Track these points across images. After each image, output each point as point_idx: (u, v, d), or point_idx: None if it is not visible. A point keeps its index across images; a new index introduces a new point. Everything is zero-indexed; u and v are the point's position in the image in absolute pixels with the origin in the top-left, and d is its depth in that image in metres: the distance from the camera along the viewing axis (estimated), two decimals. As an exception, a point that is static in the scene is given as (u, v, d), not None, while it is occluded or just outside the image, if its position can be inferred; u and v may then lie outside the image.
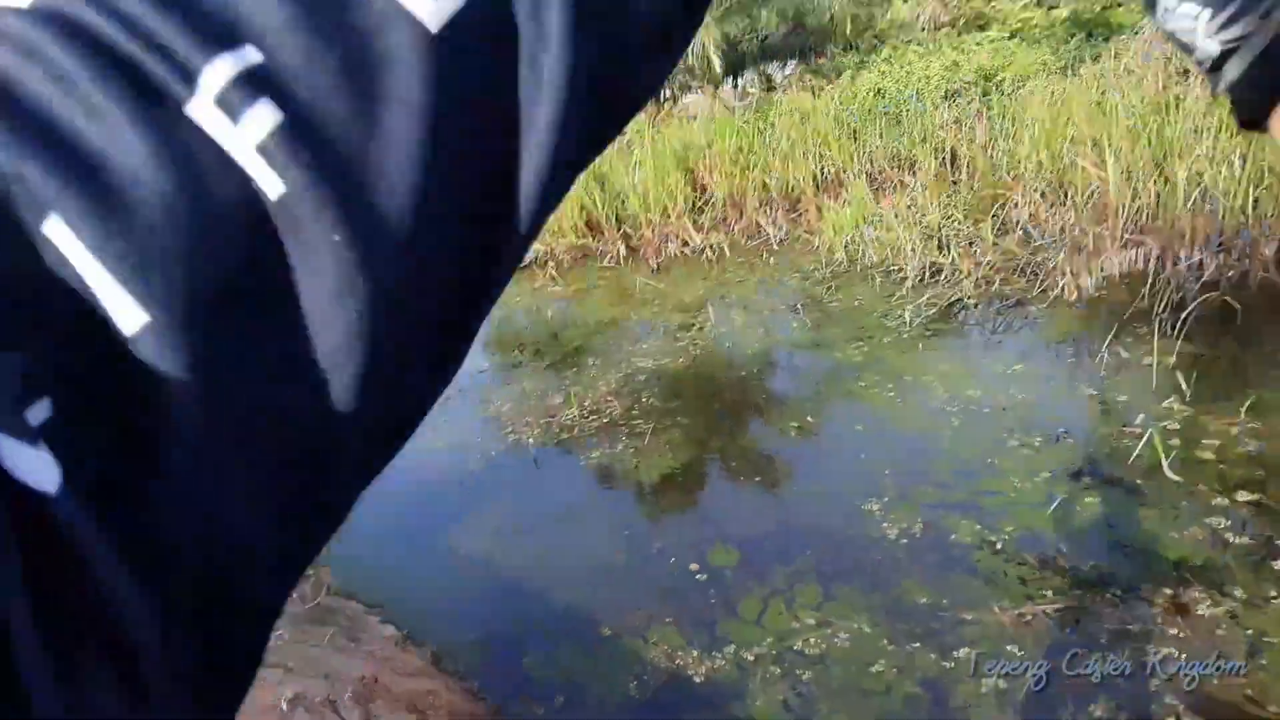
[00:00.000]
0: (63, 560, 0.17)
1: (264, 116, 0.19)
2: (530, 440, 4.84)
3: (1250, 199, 5.46)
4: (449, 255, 0.23)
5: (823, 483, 4.05)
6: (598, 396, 5.19)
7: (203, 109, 0.19)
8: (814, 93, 10.85)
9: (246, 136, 0.19)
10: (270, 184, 0.19)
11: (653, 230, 8.79)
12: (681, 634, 3.18)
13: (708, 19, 11.08)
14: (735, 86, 15.99)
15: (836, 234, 7.23)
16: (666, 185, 9.46)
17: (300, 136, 0.19)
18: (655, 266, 8.11)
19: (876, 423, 4.48)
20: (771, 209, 8.77)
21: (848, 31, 13.72)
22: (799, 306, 6.34)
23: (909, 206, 7.04)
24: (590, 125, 0.25)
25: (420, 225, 0.21)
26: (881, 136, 8.85)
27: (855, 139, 9.09)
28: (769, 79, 16.93)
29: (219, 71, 0.19)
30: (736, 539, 3.66)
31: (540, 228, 0.27)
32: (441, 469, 4.74)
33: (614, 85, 0.26)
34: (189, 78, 0.19)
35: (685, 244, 8.50)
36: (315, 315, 0.20)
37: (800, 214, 8.59)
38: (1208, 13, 0.35)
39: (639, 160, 9.73)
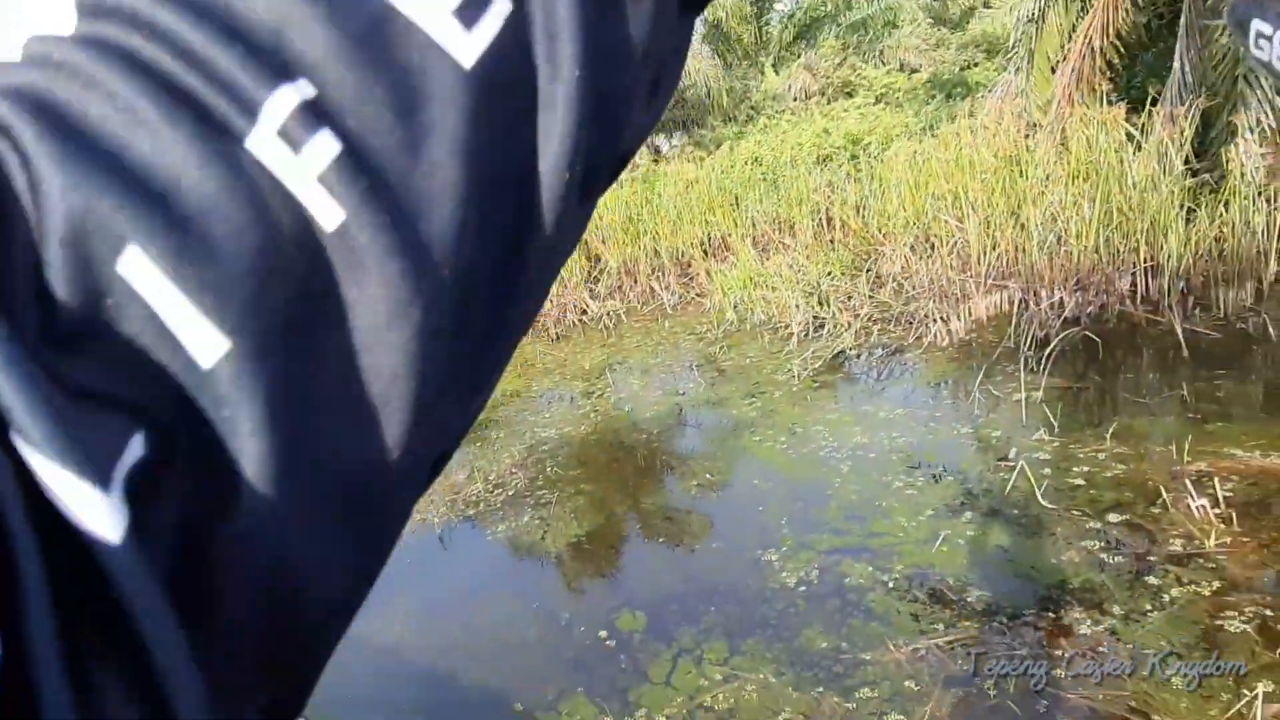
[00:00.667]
0: (108, 608, 0.17)
1: (325, 147, 0.20)
2: (436, 519, 4.77)
3: (1102, 238, 5.97)
4: (487, 285, 0.24)
5: (725, 537, 4.14)
6: (502, 469, 5.18)
7: (264, 140, 0.20)
8: (697, 163, 11.29)
9: (309, 167, 0.20)
10: (329, 214, 0.20)
11: (550, 300, 8.89)
12: (593, 704, 3.16)
13: None
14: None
15: (726, 295, 7.50)
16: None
17: (356, 167, 0.20)
18: (555, 335, 8.19)
19: (772, 474, 4.63)
20: (664, 274, 9.03)
21: (724, 104, 14.39)
22: (695, 366, 6.51)
23: (790, 266, 7.38)
24: (597, 160, 0.26)
25: (463, 254, 0.22)
26: (761, 202, 9.28)
27: (737, 205, 9.50)
28: (657, 150, 17.53)
29: (280, 103, 0.20)
30: (644, 602, 3.69)
31: (562, 263, 0.28)
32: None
33: (615, 121, 0.27)
34: (251, 110, 0.20)
35: (583, 312, 8.63)
36: (369, 344, 0.21)
37: (691, 278, 8.88)
38: None
39: (532, 233, 9.86)
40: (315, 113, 0.20)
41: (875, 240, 7.56)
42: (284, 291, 0.20)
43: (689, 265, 9.11)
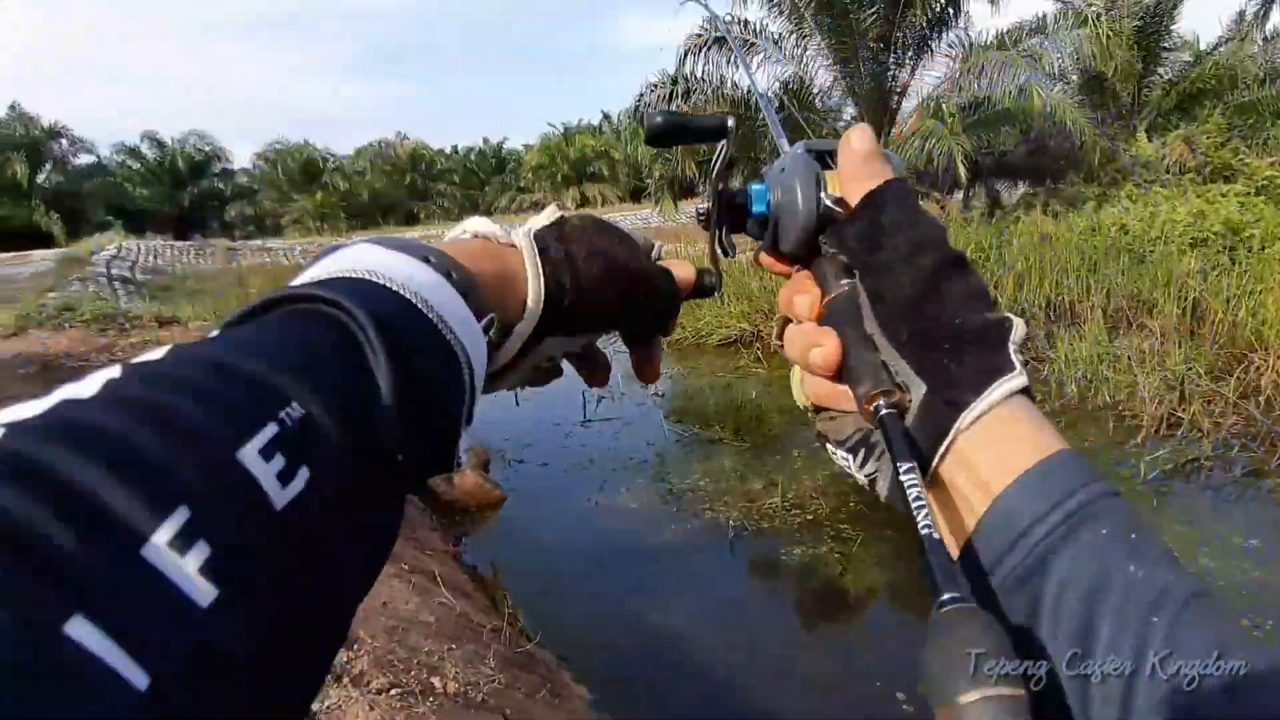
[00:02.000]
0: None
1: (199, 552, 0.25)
2: (729, 521, 4.94)
3: None
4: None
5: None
6: (802, 490, 5.23)
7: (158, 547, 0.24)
8: (1054, 216, 10.65)
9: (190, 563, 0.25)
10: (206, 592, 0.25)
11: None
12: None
13: (959, 129, 11.04)
14: (965, 198, 15.92)
15: (1069, 366, 7.01)
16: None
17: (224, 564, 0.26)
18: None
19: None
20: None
21: (1091, 161, 13.41)
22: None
23: (1148, 351, 6.75)
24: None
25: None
26: (1123, 275, 8.56)
27: (1094, 271, 8.83)
28: (996, 195, 16.70)
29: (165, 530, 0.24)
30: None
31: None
32: (630, 532, 4.95)
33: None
34: (143, 530, 0.24)
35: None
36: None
37: (1029, 338, 8.36)
38: (853, 460, 0.51)
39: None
40: (187, 535, 0.25)
41: (1247, 343, 6.68)
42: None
43: (1026, 324, 8.60)
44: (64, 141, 35.27)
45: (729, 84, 13.32)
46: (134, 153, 40.07)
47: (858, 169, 0.50)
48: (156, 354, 0.30)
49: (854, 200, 0.50)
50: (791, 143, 0.57)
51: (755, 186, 0.55)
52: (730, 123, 0.54)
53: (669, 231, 17.47)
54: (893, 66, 13.14)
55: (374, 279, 0.38)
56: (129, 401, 0.27)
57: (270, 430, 0.28)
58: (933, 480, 0.44)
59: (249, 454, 0.27)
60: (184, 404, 0.27)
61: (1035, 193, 15.31)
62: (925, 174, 12.54)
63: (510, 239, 0.50)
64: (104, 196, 36.02)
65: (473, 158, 52.83)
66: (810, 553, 4.55)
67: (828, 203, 0.51)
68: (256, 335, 0.33)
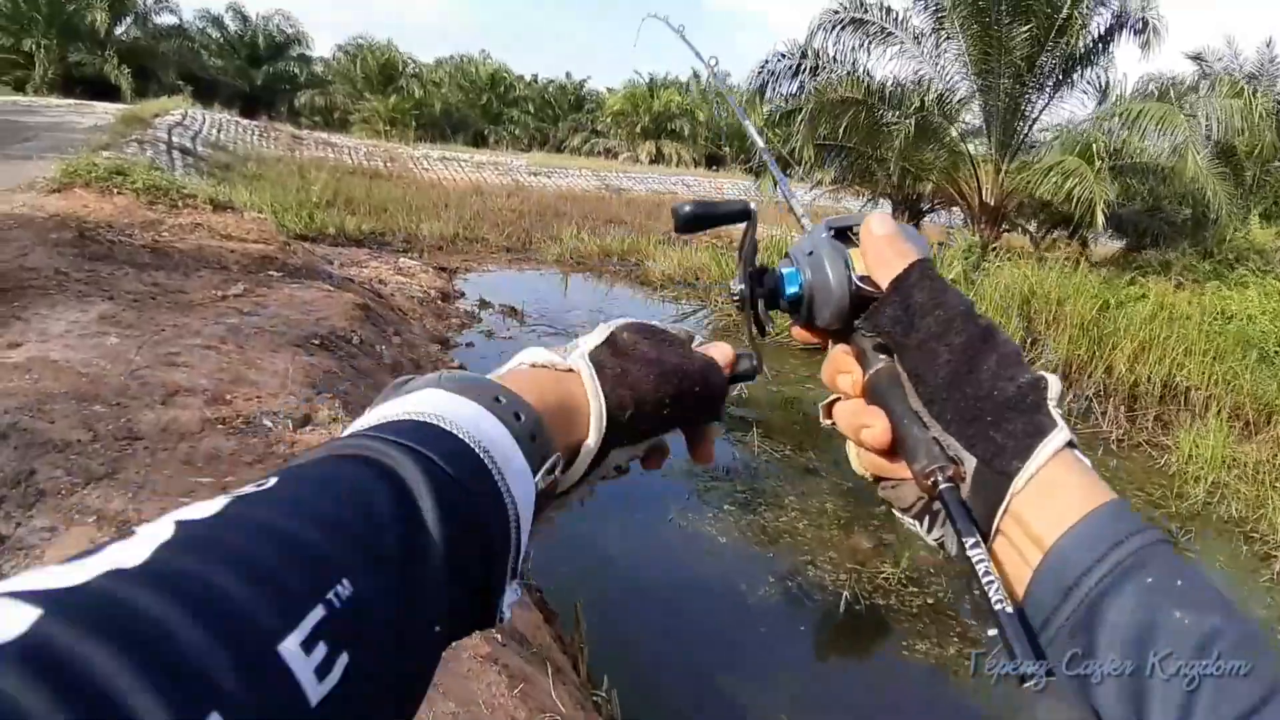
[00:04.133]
0: None
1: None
2: (834, 584, 4.16)
3: None
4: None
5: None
6: (918, 559, 4.44)
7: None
8: (1176, 287, 9.67)
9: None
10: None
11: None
12: None
13: (1106, 175, 10.06)
14: (1033, 238, 14.96)
15: (1191, 461, 6.16)
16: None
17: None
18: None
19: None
20: (1110, 398, 7.72)
21: (1216, 238, 12.43)
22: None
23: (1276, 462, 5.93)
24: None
25: None
26: (1249, 372, 7.67)
27: (1219, 360, 7.93)
28: (1085, 243, 15.66)
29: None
30: None
31: None
32: (719, 578, 4.23)
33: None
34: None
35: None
36: None
37: (1137, 415, 7.51)
38: (919, 526, 0.52)
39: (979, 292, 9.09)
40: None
41: None
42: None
43: (1134, 399, 7.76)
44: (150, -2, 34.77)
45: (862, 69, 12.25)
46: (216, 21, 39.41)
47: (882, 251, 0.53)
48: (214, 506, 0.30)
49: (882, 281, 0.52)
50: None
51: (786, 270, 0.57)
52: (752, 206, 0.59)
53: (765, 211, 16.71)
54: (1033, 90, 12.02)
55: (441, 425, 0.39)
56: (176, 578, 0.26)
57: (317, 615, 0.28)
58: (991, 537, 0.46)
59: (290, 647, 0.27)
60: (233, 585, 0.27)
61: (1135, 253, 14.30)
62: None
63: (568, 364, 0.51)
64: (178, 61, 35.45)
65: (551, 90, 51.68)
66: (936, 653, 3.76)
67: (858, 282, 0.53)
68: (317, 492, 0.33)
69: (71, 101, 23.46)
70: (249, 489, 0.32)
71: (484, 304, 9.96)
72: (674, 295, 12.05)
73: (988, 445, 0.46)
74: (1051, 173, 10.68)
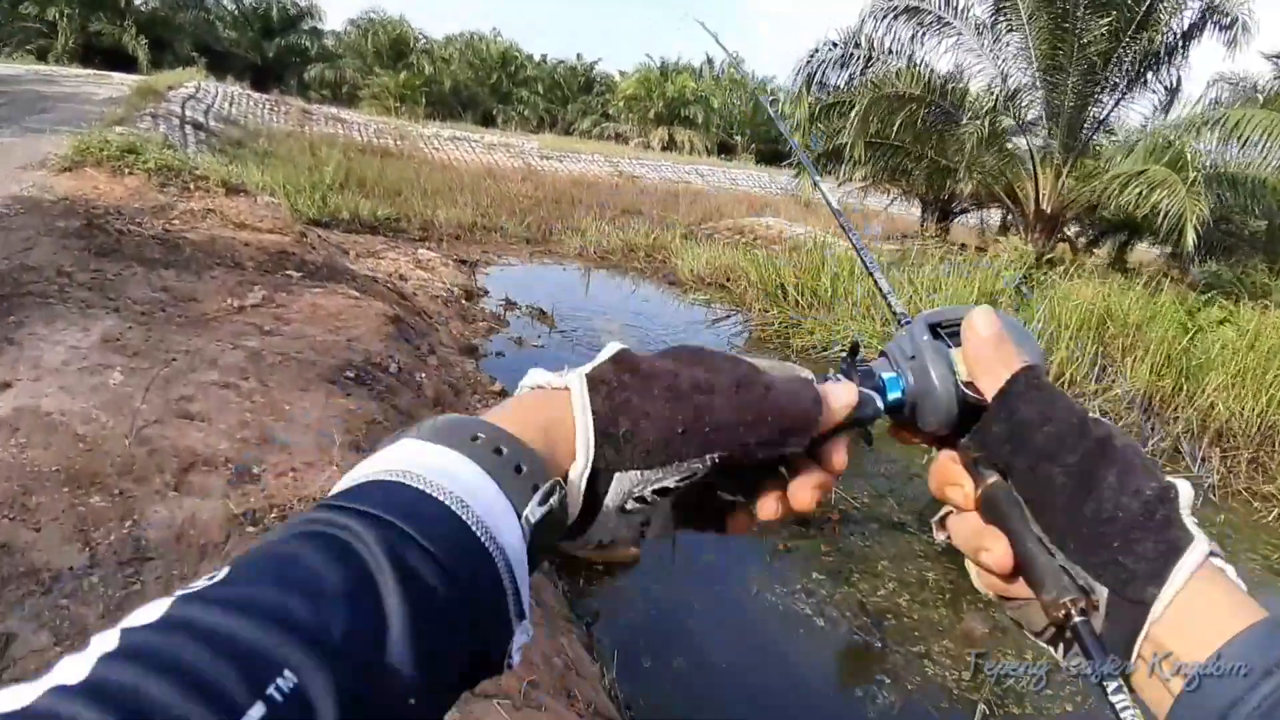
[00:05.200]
0: None
1: None
2: (955, 685, 3.53)
3: None
4: None
5: None
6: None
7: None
8: (1264, 310, 8.96)
9: None
10: None
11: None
12: None
13: (1200, 188, 9.37)
14: (1074, 245, 14.30)
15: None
16: (1070, 347, 8.10)
17: None
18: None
19: None
20: (1198, 438, 7.09)
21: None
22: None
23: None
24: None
25: None
26: None
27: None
28: (1124, 249, 15.02)
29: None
30: None
31: None
32: (814, 672, 3.61)
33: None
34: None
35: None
36: None
37: (1228, 457, 6.88)
38: (1054, 651, 0.49)
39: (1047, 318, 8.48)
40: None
41: None
42: None
43: (1220, 439, 7.13)
44: (169, -32, 33.99)
45: (920, 62, 11.49)
46: (233, -8, 38.68)
47: (985, 356, 0.50)
48: (159, 610, 0.30)
49: (986, 390, 0.50)
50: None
51: (887, 375, 0.54)
52: (880, 404, 0.54)
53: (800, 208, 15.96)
54: (1107, 91, 11.25)
55: (409, 482, 0.38)
56: (115, 693, 0.26)
57: (257, 713, 0.27)
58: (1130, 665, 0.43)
59: None
60: (165, 694, 0.27)
61: (1175, 261, 13.63)
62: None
63: (563, 382, 0.48)
64: (194, 32, 34.73)
65: (561, 71, 50.72)
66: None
67: (965, 390, 0.51)
68: (265, 581, 0.32)
69: (90, 72, 23.01)
70: (200, 583, 0.32)
71: (510, 304, 9.30)
72: (706, 298, 11.38)
73: (1119, 574, 0.43)
74: (1135, 183, 9.90)
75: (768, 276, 10.52)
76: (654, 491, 0.47)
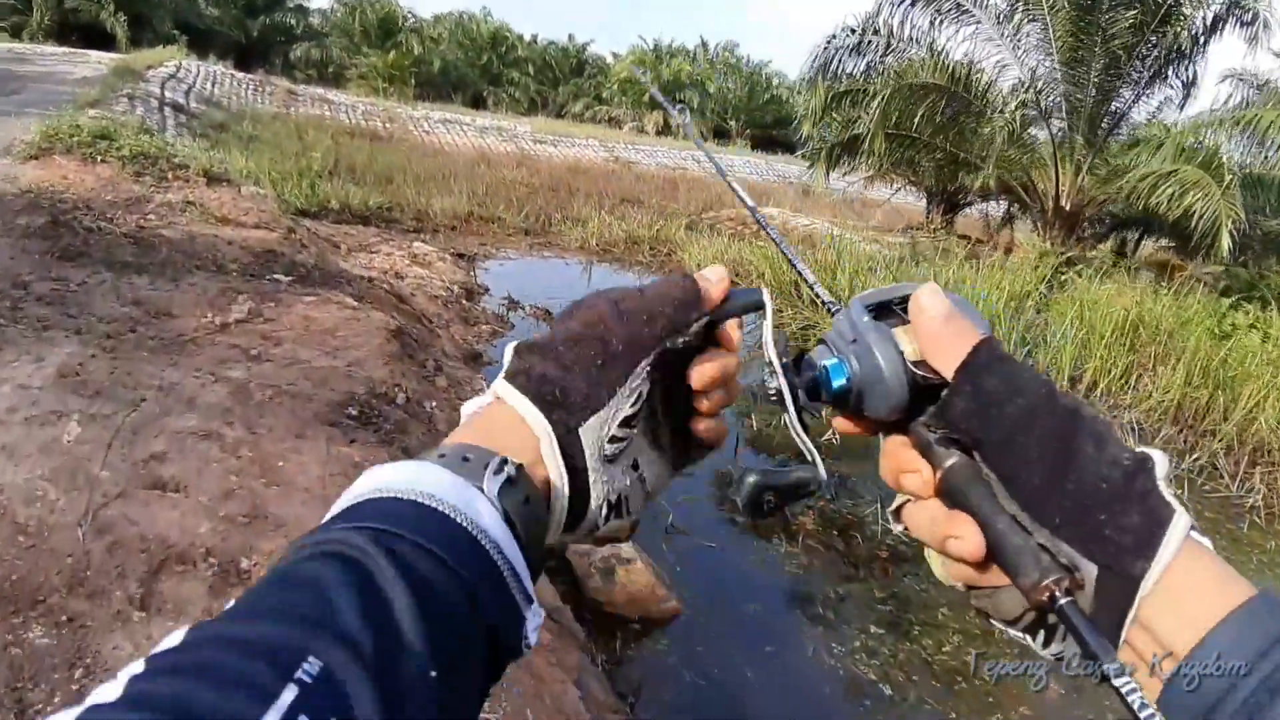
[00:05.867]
0: None
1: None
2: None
3: None
4: None
5: None
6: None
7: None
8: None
9: None
10: None
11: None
12: None
13: (1236, 191, 8.93)
14: (1066, 237, 13.91)
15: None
16: (1103, 357, 7.68)
17: None
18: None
19: None
20: (1230, 453, 6.68)
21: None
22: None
23: None
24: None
25: None
26: None
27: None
28: (1124, 243, 14.65)
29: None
30: None
31: None
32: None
33: None
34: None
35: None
36: None
37: (1269, 473, 6.46)
38: (1033, 641, 0.47)
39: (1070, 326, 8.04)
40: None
41: None
42: None
43: (1257, 455, 6.73)
44: (146, -59, 32.87)
45: (941, 51, 10.95)
46: (213, -33, 37.56)
47: (938, 333, 0.48)
48: (175, 639, 0.31)
49: (942, 367, 0.47)
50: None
51: (828, 361, 0.51)
52: (764, 295, 0.54)
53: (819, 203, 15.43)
54: (1133, 84, 10.76)
55: (384, 495, 0.40)
56: (151, 699, 0.27)
57: (289, 695, 0.28)
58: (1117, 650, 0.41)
59: None
60: (201, 691, 0.28)
61: (1178, 258, 13.23)
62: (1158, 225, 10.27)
63: (490, 394, 0.50)
64: (174, 8, 33.65)
65: (552, 52, 49.81)
66: None
67: (914, 370, 0.48)
68: (269, 595, 0.34)
69: (65, 50, 22.12)
70: (205, 621, 0.33)
71: (513, 304, 8.77)
72: (716, 295, 10.86)
73: (1106, 547, 0.41)
74: (1165, 183, 9.42)
75: (781, 274, 10.03)
76: (620, 425, 0.49)
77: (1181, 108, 11.72)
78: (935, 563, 0.49)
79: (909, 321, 0.49)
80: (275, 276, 5.47)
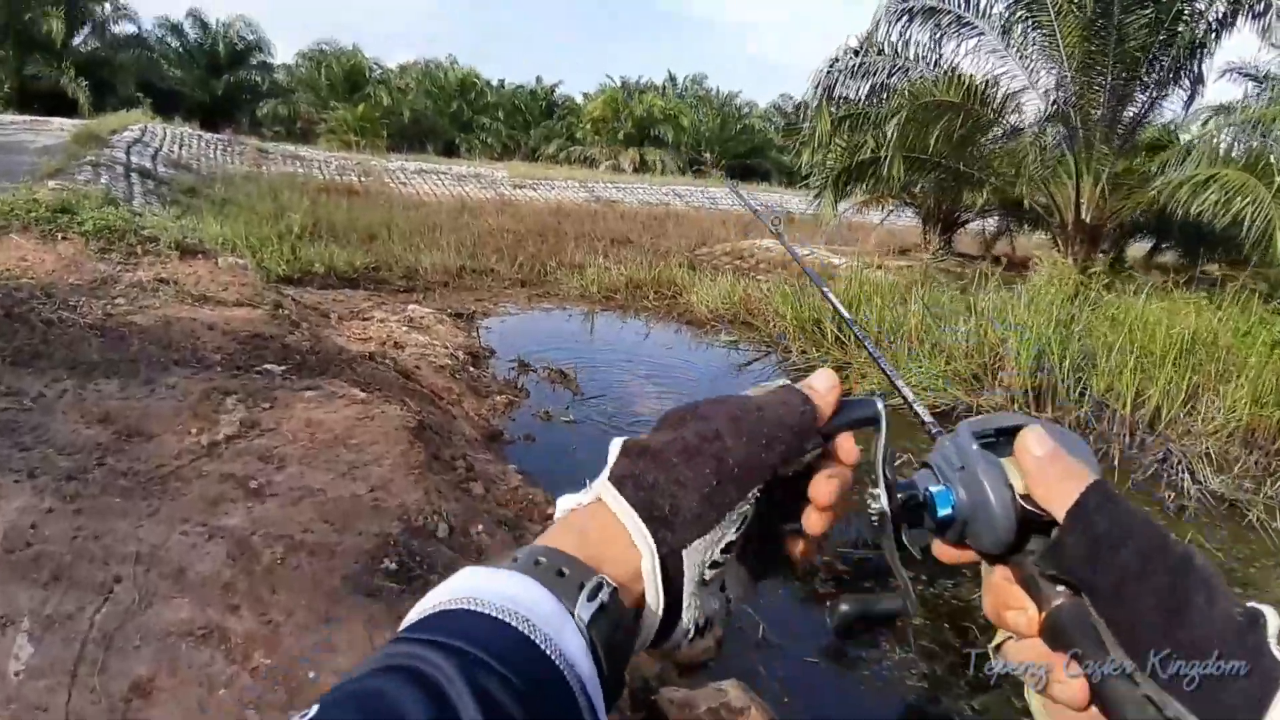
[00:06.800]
0: None
1: None
2: None
3: None
4: None
5: None
6: None
7: None
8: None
9: None
10: None
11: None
12: None
13: None
14: (1069, 248, 13.47)
15: None
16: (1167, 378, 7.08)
17: None
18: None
19: None
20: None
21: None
22: None
23: None
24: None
25: None
26: None
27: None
28: (1122, 250, 14.20)
29: None
30: None
31: None
32: None
33: None
34: None
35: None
36: None
37: None
38: None
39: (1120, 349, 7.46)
40: None
41: None
42: None
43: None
44: (107, 5, 32.26)
45: (953, 67, 10.47)
46: (176, 30, 36.90)
47: (1047, 473, 0.46)
48: None
49: (1052, 507, 0.45)
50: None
51: (934, 488, 0.49)
52: (880, 407, 0.51)
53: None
54: (1150, 88, 10.31)
55: (475, 608, 0.38)
56: None
57: None
58: None
59: None
60: None
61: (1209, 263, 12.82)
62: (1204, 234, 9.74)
63: (593, 495, 0.48)
64: (137, 71, 33.02)
65: (521, 96, 49.58)
66: None
67: (1024, 504, 0.47)
68: (346, 713, 0.33)
69: (26, 118, 21.59)
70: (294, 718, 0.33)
71: (524, 367, 8.05)
72: (732, 339, 10.21)
73: (1216, 707, 0.39)
74: (1205, 189, 8.86)
75: (802, 313, 9.39)
76: (722, 550, 0.47)
77: (1188, 106, 11.36)
78: (1035, 702, 0.48)
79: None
80: (267, 367, 4.74)
